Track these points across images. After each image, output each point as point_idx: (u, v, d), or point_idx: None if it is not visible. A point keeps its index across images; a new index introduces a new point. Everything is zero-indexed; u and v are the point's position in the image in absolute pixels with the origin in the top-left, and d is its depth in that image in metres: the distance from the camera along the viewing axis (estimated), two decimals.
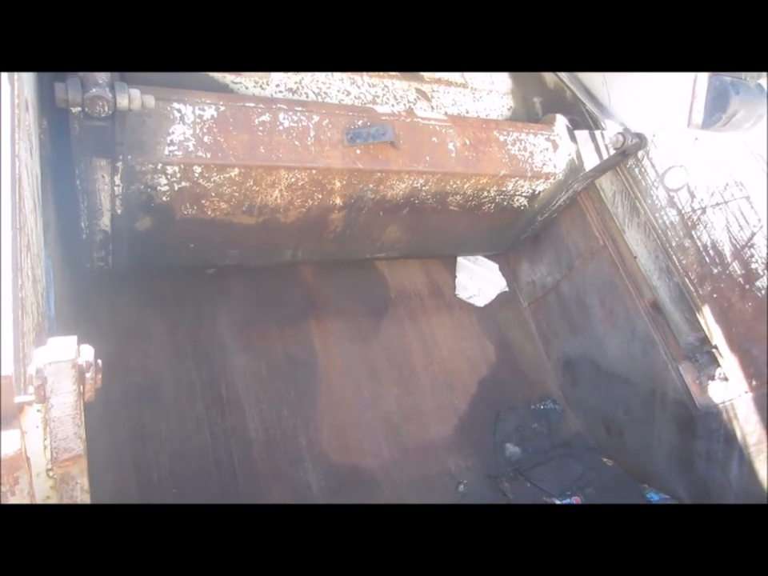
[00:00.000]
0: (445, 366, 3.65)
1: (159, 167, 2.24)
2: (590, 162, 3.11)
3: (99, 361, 0.87)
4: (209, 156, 2.30)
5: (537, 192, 3.24)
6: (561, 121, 3.19)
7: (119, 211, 2.36)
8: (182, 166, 2.27)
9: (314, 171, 2.53)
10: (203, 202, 2.47)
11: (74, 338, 0.86)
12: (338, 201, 2.75)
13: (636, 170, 3.16)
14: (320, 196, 2.67)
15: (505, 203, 3.22)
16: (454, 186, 2.94)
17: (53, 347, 0.83)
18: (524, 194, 3.22)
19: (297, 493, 2.92)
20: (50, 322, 1.72)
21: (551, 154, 3.16)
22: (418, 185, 2.82)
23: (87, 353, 0.87)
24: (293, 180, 2.53)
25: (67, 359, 0.81)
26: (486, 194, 3.09)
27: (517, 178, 3.06)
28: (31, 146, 1.58)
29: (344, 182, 2.65)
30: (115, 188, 2.25)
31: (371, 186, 2.73)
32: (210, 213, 2.53)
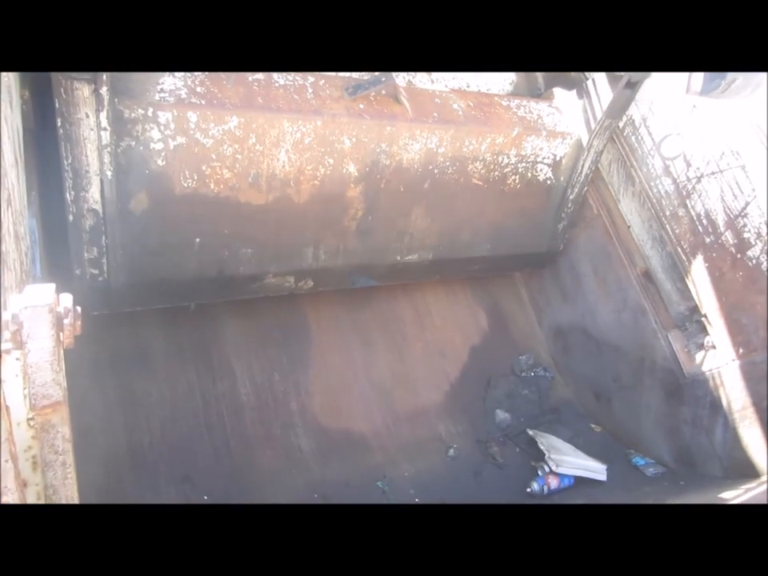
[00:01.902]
0: (437, 333, 3.66)
1: (150, 113, 2.07)
2: (599, 107, 3.02)
3: (78, 308, 0.86)
4: (203, 103, 2.15)
5: (558, 158, 3.13)
6: (560, 92, 3.16)
7: (109, 174, 2.10)
8: (174, 112, 2.10)
9: (319, 123, 2.38)
10: (204, 168, 2.26)
11: (52, 285, 0.85)
12: (352, 168, 2.56)
13: (633, 137, 3.12)
14: (331, 161, 2.50)
15: (529, 174, 3.09)
16: (471, 149, 2.81)
17: (29, 293, 0.82)
18: (546, 161, 3.11)
19: (288, 456, 2.96)
20: (36, 282, 1.70)
21: (559, 116, 3.10)
22: (433, 145, 2.69)
23: (66, 300, 0.85)
24: (298, 136, 2.38)
25: (44, 304, 0.79)
26: (506, 160, 2.96)
27: (533, 137, 2.96)
28: (11, 98, 1.54)
29: (353, 140, 2.50)
30: (102, 133, 2.00)
31: (383, 146, 2.57)
32: (213, 186, 2.32)
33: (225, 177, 2.32)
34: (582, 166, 3.22)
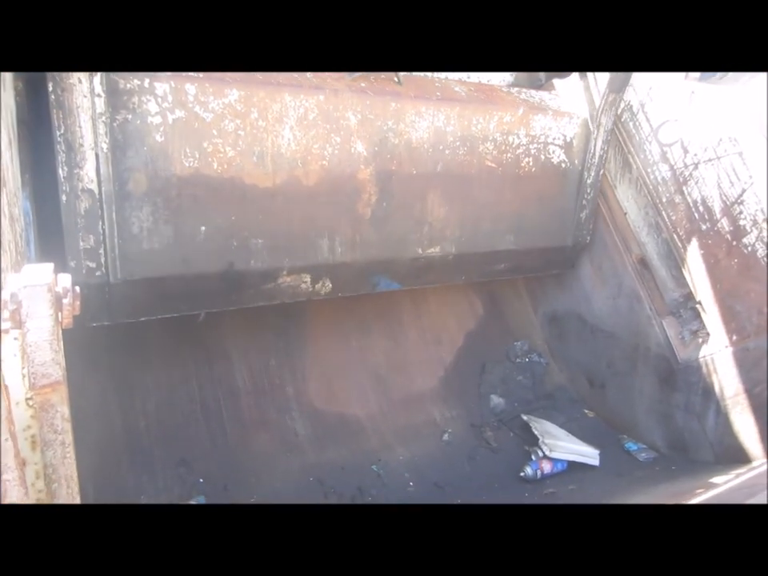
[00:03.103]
0: (433, 320, 3.68)
1: (147, 84, 1.99)
2: (602, 83, 2.99)
3: (77, 287, 0.85)
4: (201, 75, 2.08)
5: (569, 138, 3.09)
6: (560, 82, 3.16)
7: (104, 148, 1.96)
8: (172, 84, 2.02)
9: (321, 98, 2.33)
10: (205, 145, 2.16)
11: (50, 265, 0.84)
12: (361, 147, 2.49)
13: (631, 123, 3.12)
14: (338, 139, 2.42)
15: (542, 157, 3.04)
16: (480, 128, 2.77)
17: (28, 273, 0.81)
18: (557, 143, 3.06)
19: (284, 440, 2.97)
20: (30, 263, 1.69)
21: (561, 100, 3.10)
22: (441, 123, 2.64)
23: (65, 280, 0.85)
24: (301, 111, 2.31)
25: (43, 283, 0.79)
26: (516, 141, 2.92)
27: (539, 116, 2.94)
28: (3, 80, 1.51)
29: (359, 117, 2.44)
30: (96, 100, 1.90)
31: (390, 123, 2.52)
32: (216, 165, 2.20)
33: (228, 155, 2.22)
34: (595, 147, 3.16)
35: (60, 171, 1.94)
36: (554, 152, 3.08)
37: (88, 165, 1.97)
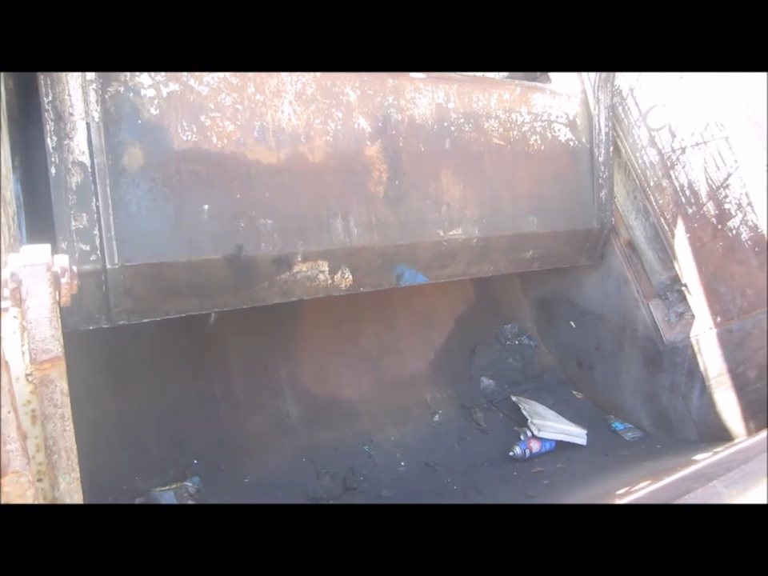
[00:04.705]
0: (424, 303, 3.71)
1: None
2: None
3: (74, 267, 0.88)
4: None
5: (572, 116, 3.10)
6: (554, 75, 3.17)
7: (96, 117, 1.85)
8: None
9: (318, 74, 2.32)
10: (203, 119, 2.07)
11: (47, 246, 0.87)
12: (364, 123, 2.44)
13: (620, 108, 3.14)
14: (339, 114, 2.37)
15: (549, 135, 3.02)
16: (481, 105, 2.78)
17: (27, 253, 0.84)
18: (560, 121, 3.07)
19: (277, 422, 3.01)
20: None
21: (556, 84, 3.12)
22: (441, 100, 2.65)
23: (62, 260, 0.87)
24: (299, 86, 2.27)
25: (42, 262, 0.81)
26: (520, 118, 2.91)
27: (538, 94, 2.96)
28: None
29: (358, 93, 2.42)
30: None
31: (390, 99, 2.51)
32: (216, 140, 2.10)
33: (227, 130, 2.12)
34: (599, 124, 3.14)
35: (48, 141, 1.81)
36: (559, 130, 3.07)
37: (78, 135, 1.85)
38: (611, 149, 3.19)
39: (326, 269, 2.45)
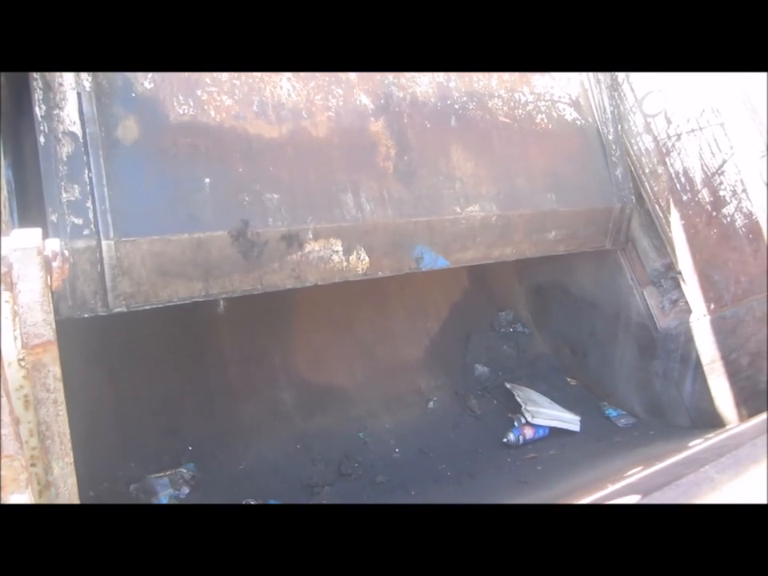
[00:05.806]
0: (419, 290, 3.71)
1: None
2: None
3: (66, 251, 0.87)
4: None
5: (574, 96, 3.07)
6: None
7: (87, 86, 1.79)
8: None
9: None
10: (199, 93, 2.00)
11: (38, 230, 0.86)
12: (366, 99, 2.39)
13: (615, 94, 3.12)
14: (340, 91, 2.33)
15: (554, 114, 2.98)
16: (482, 84, 2.75)
17: (18, 237, 0.83)
18: (564, 101, 3.03)
19: (272, 409, 3.02)
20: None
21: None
22: (442, 79, 2.63)
23: (53, 243, 0.86)
24: None
25: (32, 246, 0.80)
26: (523, 98, 2.88)
27: (538, 76, 2.93)
28: None
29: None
30: None
31: (390, 77, 2.49)
32: (214, 113, 2.03)
33: (225, 104, 2.05)
34: (603, 103, 3.10)
35: (37, 110, 1.73)
36: (564, 110, 3.03)
37: (69, 105, 1.77)
38: (619, 127, 3.13)
39: (340, 249, 2.32)
